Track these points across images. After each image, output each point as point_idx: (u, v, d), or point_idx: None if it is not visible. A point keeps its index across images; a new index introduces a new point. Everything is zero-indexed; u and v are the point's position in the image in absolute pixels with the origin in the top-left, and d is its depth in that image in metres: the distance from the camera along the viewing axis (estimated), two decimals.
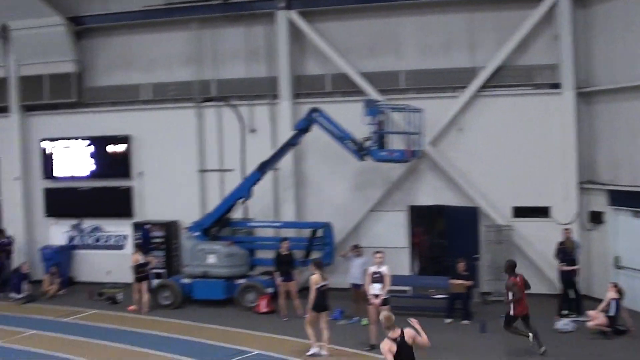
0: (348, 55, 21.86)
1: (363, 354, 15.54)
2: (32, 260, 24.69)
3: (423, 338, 10.75)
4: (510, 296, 15.15)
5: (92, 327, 18.70)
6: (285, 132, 21.52)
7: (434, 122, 20.83)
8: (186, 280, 20.70)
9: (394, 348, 10.49)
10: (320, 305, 15.46)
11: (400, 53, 21.68)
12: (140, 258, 20.29)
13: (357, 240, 20.98)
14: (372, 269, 15.82)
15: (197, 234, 20.89)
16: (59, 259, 24.02)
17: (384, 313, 11.00)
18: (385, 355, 10.54)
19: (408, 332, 10.67)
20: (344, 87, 22.01)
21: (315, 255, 20.20)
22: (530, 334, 15.13)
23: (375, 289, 15.57)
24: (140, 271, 20.18)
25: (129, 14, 23.63)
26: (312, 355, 15.36)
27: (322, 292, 15.46)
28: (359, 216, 21.84)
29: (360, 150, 19.62)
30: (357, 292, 18.24)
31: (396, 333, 10.62)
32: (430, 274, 21.66)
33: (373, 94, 21.31)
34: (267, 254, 21.15)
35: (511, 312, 15.17)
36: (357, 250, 18.74)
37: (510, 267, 15.52)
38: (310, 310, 15.51)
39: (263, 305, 19.51)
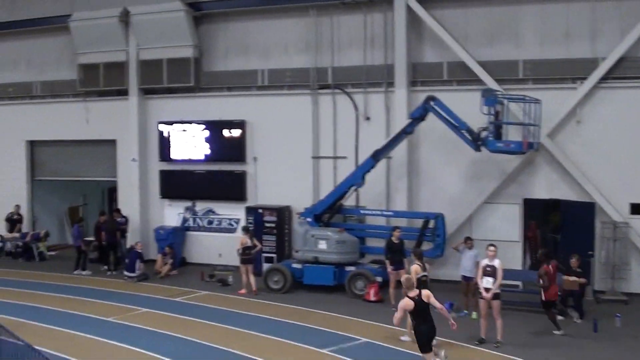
0: (466, 43, 22.29)
1: (472, 348, 15.89)
2: (146, 240, 26.49)
3: (436, 303, 13.11)
4: (542, 282, 17.04)
5: (202, 307, 19.82)
6: (400, 121, 22.19)
7: (552, 113, 20.96)
8: (297, 265, 21.82)
9: (411, 304, 12.94)
10: None
11: (519, 42, 21.88)
12: (247, 241, 21.61)
13: (469, 232, 21.56)
14: (484, 262, 16.23)
15: (309, 219, 21.93)
16: (172, 240, 25.61)
17: (405, 276, 13.63)
18: (399, 309, 13.08)
19: (425, 292, 13.04)
20: (461, 75, 22.43)
21: (426, 246, 20.90)
22: (575, 314, 17.55)
23: (486, 282, 15.98)
24: (247, 254, 21.49)
25: (247, 0, 24.92)
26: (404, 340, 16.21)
27: (422, 282, 16.18)
28: (472, 208, 22.25)
29: (476, 141, 20.08)
30: (467, 285, 18.80)
31: (414, 293, 13.02)
32: None
33: (490, 83, 21.60)
34: (378, 243, 22.15)
35: (542, 298, 17.15)
36: (469, 242, 19.18)
37: (545, 256, 17.72)
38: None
39: (372, 294, 20.24)
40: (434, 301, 13.11)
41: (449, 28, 22.45)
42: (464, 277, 18.94)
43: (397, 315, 13.17)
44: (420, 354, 13.29)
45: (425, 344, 13.07)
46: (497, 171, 21.97)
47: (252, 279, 21.36)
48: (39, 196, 30.14)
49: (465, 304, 18.87)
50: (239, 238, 22.14)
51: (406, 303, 12.99)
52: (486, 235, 20.91)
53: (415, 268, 16.64)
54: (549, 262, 17.37)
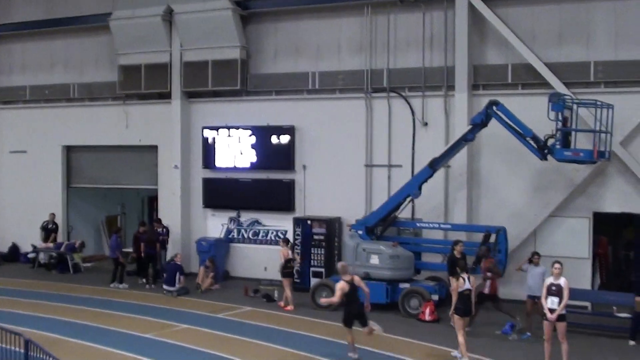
0: (532, 44, 22.39)
1: None
2: (187, 252, 27.10)
3: (364, 287, 16.81)
4: (490, 274, 18.95)
5: (246, 324, 20.09)
6: (460, 127, 22.34)
7: (626, 119, 20.91)
8: None
9: (347, 287, 16.36)
10: (463, 310, 16.81)
11: (590, 42, 21.87)
12: (289, 253, 22.13)
13: (533, 248, 21.62)
14: (549, 280, 16.23)
15: (360, 232, 22.11)
16: (215, 252, 26.13)
17: (341, 262, 17.04)
18: (337, 290, 16.44)
19: (356, 278, 16.76)
20: (526, 78, 22.52)
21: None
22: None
23: (551, 302, 16.00)
24: (288, 267, 22.01)
25: None
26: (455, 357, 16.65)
27: (466, 296, 16.82)
28: (537, 222, 22.30)
29: (542, 149, 20.11)
30: (532, 304, 18.83)
31: (349, 277, 16.53)
32: (614, 289, 21.78)
33: (559, 86, 21.62)
34: (434, 258, 22.42)
35: (486, 291, 19.00)
36: (536, 258, 19.14)
37: (487, 250, 19.71)
38: (453, 314, 17.04)
39: (427, 313, 20.36)
40: (362, 285, 16.75)
41: (514, 27, 22.59)
42: (530, 297, 18.97)
43: (335, 297, 16.45)
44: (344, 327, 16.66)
45: (347, 320, 16.57)
46: (565, 182, 22.00)
47: (288, 293, 21.84)
48: (75, 204, 30.99)
49: (529, 325, 18.89)
50: (280, 250, 22.67)
51: (342, 285, 16.31)
52: (552, 251, 20.92)
53: (458, 281, 17.05)
54: (491, 257, 19.52)
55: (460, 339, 16.55)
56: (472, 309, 17.15)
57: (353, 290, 16.46)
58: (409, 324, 20.20)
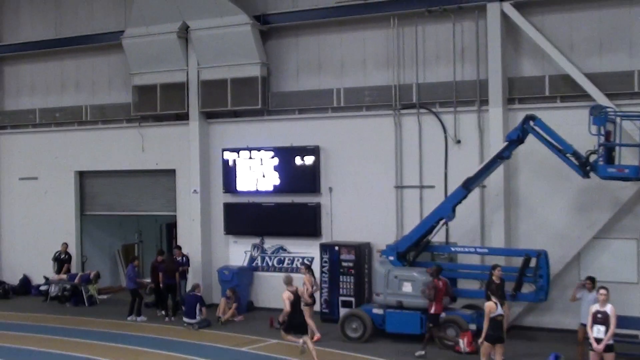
0: (571, 53, 22.35)
1: None
2: (209, 282, 27.30)
3: (305, 296, 21.04)
4: (427, 293, 20.35)
5: (273, 358, 20.25)
6: (495, 144, 22.35)
7: None
8: (378, 311, 22.06)
9: (292, 297, 19.01)
10: (494, 336, 17.00)
11: (634, 50, 21.74)
12: (312, 280, 22.54)
13: (577, 272, 21.66)
14: (595, 307, 16.15)
15: (391, 258, 22.18)
16: (238, 282, 26.29)
17: (285, 274, 20.57)
18: (284, 300, 19.02)
19: (300, 289, 19.82)
20: (565, 90, 22.49)
21: (527, 288, 20.97)
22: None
23: (597, 331, 15.91)
24: (311, 295, 22.26)
25: (320, 10, 25.60)
26: None
27: (498, 322, 17.02)
28: (580, 244, 22.18)
29: (584, 166, 20.04)
30: (584, 333, 18.15)
31: (293, 288, 19.23)
32: None
33: (600, 98, 21.54)
34: (471, 284, 22.46)
35: (430, 311, 20.35)
36: (589, 284, 18.84)
37: (436, 272, 20.79)
38: (483, 341, 17.20)
39: (464, 344, 20.37)
40: (305, 296, 20.91)
41: (551, 36, 22.59)
42: (583, 325, 18.28)
43: (286, 307, 18.98)
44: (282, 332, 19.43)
45: (289, 328, 19.07)
46: (610, 201, 21.89)
47: (311, 323, 21.88)
48: (89, 233, 31.30)
49: (581, 357, 18.67)
50: (303, 278, 22.72)
51: (288, 295, 18.94)
52: (597, 275, 20.52)
53: (489, 305, 17.15)
54: (438, 278, 20.72)
55: None
56: (503, 336, 17.28)
57: (296, 301, 19.20)
58: (445, 356, 20.22)
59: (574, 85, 22.21)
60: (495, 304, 17.13)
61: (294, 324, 19.18)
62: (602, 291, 16.30)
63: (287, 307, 18.94)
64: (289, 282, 19.41)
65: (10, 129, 32.21)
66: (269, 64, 26.61)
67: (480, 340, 17.51)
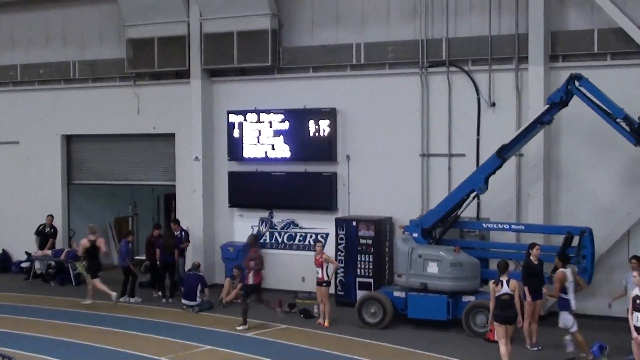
0: (624, 3, 22.15)
1: None
2: (211, 260, 27.49)
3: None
4: (253, 265, 21.96)
5: (280, 345, 20.36)
6: (535, 107, 22.30)
7: None
8: (399, 294, 22.10)
9: (88, 244, 24.18)
10: (502, 316, 17.71)
11: None
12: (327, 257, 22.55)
13: (626, 252, 21.57)
14: (635, 292, 16.16)
15: (415, 235, 22.21)
16: (243, 259, 25.90)
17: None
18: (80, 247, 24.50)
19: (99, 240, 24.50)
20: (616, 46, 22.38)
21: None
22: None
23: (637, 319, 15.95)
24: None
25: None
26: None
27: (503, 301, 17.71)
28: (631, 221, 22.10)
29: (636, 132, 20.03)
30: None
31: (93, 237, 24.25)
32: None
33: None
34: None
35: (250, 282, 22.12)
36: (636, 263, 18.74)
37: (254, 239, 22.88)
38: (492, 321, 18.15)
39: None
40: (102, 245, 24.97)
41: None
42: None
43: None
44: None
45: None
46: None
47: (326, 307, 22.15)
48: (77, 204, 31.43)
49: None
50: (315, 256, 22.73)
51: (84, 242, 24.89)
52: None
53: (491, 285, 18.01)
54: (257, 246, 22.79)
55: (502, 349, 17.29)
56: (515, 316, 17.82)
57: (93, 248, 24.29)
58: (475, 344, 20.26)
59: (626, 40, 22.06)
60: (498, 282, 17.74)
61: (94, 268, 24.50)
62: (635, 273, 16.42)
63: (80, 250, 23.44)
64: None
65: None
66: (280, 15, 26.55)
67: (489, 321, 18.52)
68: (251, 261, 22.41)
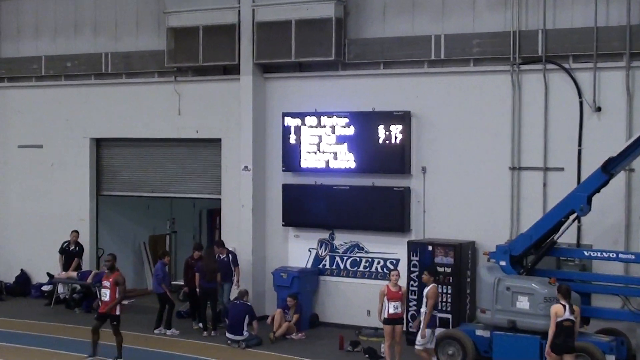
0: None
1: None
2: (261, 287, 27.49)
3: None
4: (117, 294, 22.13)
5: None
6: None
7: None
8: (482, 333, 21.91)
9: None
10: (562, 346, 18.40)
11: None
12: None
13: None
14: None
15: (502, 263, 21.97)
16: (299, 288, 26.25)
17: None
18: None
19: None
20: None
21: None
22: None
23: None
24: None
25: None
26: None
27: (566, 328, 18.35)
28: None
29: None
30: None
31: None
32: None
33: None
34: (611, 302, 22.07)
35: (117, 312, 22.36)
36: None
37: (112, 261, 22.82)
38: (549, 351, 18.70)
39: None
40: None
41: None
42: None
43: None
44: None
45: None
46: None
47: (397, 349, 21.80)
48: (107, 219, 31.62)
49: None
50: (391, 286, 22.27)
51: None
52: None
53: (556, 309, 18.59)
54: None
55: None
56: (573, 345, 18.72)
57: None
58: None
59: None
60: (564, 306, 18.46)
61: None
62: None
63: None
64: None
65: (8, 81, 32.51)
66: (347, 2, 26.54)
67: (546, 351, 18.89)
68: (116, 285, 22.39)
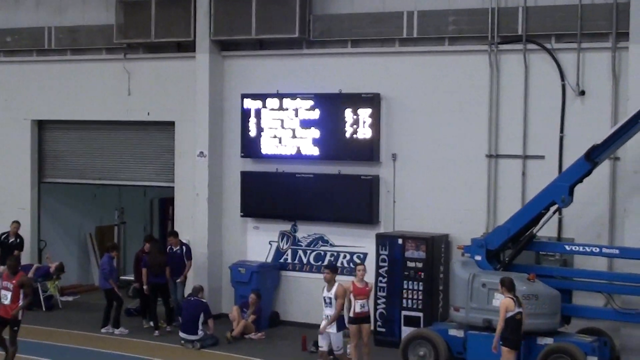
0: None
1: None
2: (217, 283, 27.59)
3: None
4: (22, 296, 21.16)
5: None
6: (637, 97, 22.17)
7: None
8: (456, 333, 22.05)
9: None
10: (514, 340, 18.97)
11: None
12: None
13: None
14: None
15: (478, 258, 22.12)
16: (259, 284, 26.38)
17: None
18: None
19: None
20: None
21: None
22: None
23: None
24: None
25: None
26: None
27: (518, 322, 18.89)
28: None
29: None
30: None
31: None
32: None
33: None
34: (593, 300, 22.34)
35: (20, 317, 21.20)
36: None
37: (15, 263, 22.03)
38: (497, 345, 19.23)
39: None
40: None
41: None
42: None
43: None
44: None
45: None
46: None
47: (366, 350, 21.83)
48: (49, 208, 31.59)
49: None
50: (343, 284, 22.21)
51: None
52: None
53: (506, 303, 19.04)
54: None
55: None
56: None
57: None
58: None
59: None
60: (513, 299, 18.95)
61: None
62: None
63: None
64: None
65: None
66: None
67: (493, 346, 19.32)
68: (21, 287, 21.42)
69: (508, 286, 19.20)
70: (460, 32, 25.06)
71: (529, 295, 21.02)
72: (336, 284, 20.89)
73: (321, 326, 21.02)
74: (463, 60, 25.04)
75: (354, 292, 21.59)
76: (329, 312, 20.83)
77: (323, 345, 21.05)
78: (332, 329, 20.75)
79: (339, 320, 20.81)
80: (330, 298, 20.81)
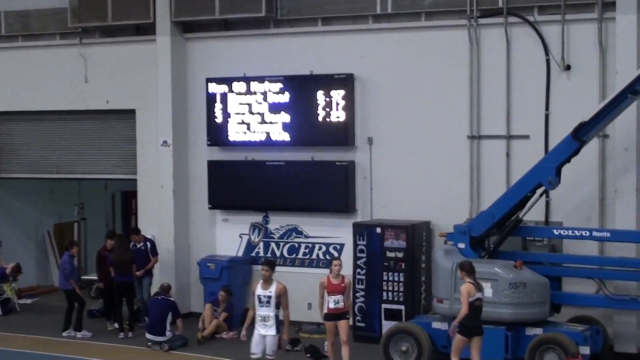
0: None
1: None
2: (186, 279, 27.66)
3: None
4: None
5: None
6: (625, 71, 22.20)
7: None
8: (439, 325, 22.12)
9: None
10: (473, 328, 19.35)
11: None
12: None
13: None
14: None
15: (461, 245, 22.26)
16: (229, 280, 26.49)
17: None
18: None
19: None
20: None
21: None
22: None
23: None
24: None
25: None
26: None
27: (477, 308, 19.30)
28: None
29: None
30: None
31: None
32: None
33: None
34: (584, 286, 22.45)
35: None
36: None
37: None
38: (456, 333, 19.55)
39: None
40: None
41: None
42: None
43: None
44: None
45: None
46: None
47: (345, 351, 21.63)
48: (4, 205, 31.78)
49: None
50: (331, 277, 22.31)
51: None
52: None
53: (466, 288, 19.37)
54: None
55: None
56: (481, 328, 19.66)
57: None
58: None
59: None
60: (473, 284, 19.34)
61: None
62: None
63: None
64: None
65: None
66: None
67: (450, 330, 19.90)
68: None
69: (468, 270, 19.57)
70: (437, 6, 25.12)
71: (516, 283, 21.17)
72: (275, 282, 20.59)
73: (262, 331, 20.51)
74: (441, 36, 25.08)
75: (327, 288, 21.51)
76: (265, 312, 20.39)
77: (257, 352, 20.54)
78: (272, 331, 20.40)
79: (277, 321, 20.52)
80: (268, 297, 20.41)
